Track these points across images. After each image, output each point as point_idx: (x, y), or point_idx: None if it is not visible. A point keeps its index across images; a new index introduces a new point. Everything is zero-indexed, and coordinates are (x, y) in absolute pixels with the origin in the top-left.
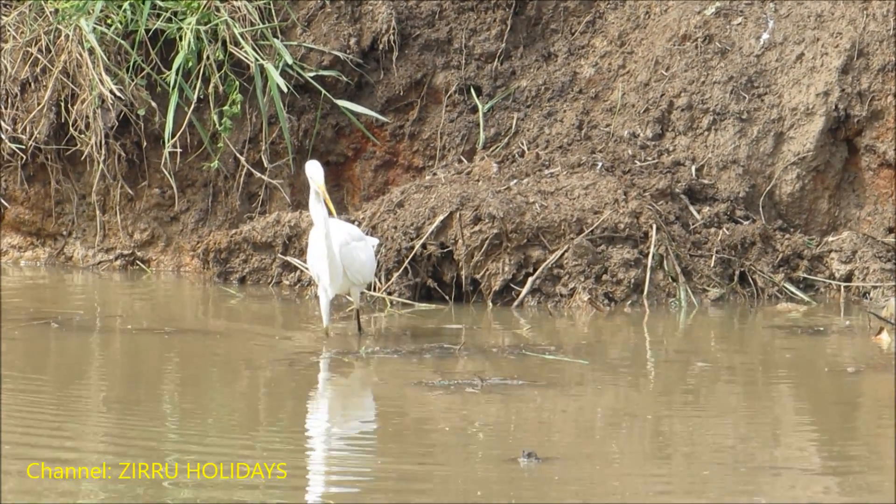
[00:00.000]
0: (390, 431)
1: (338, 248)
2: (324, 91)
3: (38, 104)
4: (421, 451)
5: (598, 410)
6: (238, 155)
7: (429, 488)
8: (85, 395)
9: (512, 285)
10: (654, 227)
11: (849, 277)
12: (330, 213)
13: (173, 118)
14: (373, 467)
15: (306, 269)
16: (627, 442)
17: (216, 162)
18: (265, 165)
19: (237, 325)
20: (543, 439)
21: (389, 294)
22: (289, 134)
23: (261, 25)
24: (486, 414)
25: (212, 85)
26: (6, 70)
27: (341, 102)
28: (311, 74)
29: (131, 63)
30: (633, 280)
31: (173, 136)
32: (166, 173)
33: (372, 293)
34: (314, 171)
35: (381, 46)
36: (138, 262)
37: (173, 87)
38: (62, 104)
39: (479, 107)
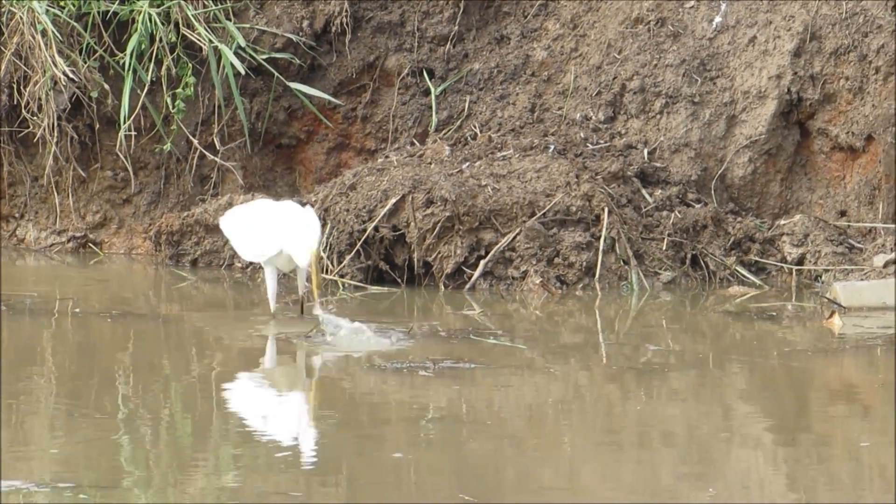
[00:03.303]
0: (340, 413)
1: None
2: (276, 73)
3: None
4: (372, 431)
5: (549, 395)
6: (191, 137)
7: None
8: (35, 376)
9: (464, 268)
10: (606, 210)
11: (801, 261)
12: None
13: (127, 101)
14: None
15: None
16: (578, 425)
17: (169, 144)
18: (218, 148)
19: (190, 308)
20: (494, 420)
21: (341, 277)
22: (245, 116)
23: (214, 7)
24: (437, 397)
25: (165, 67)
26: None
27: (294, 85)
28: (264, 57)
29: (84, 45)
30: (584, 263)
31: (127, 118)
32: (120, 156)
33: (324, 276)
34: (310, 245)
35: (333, 29)
36: (91, 244)
37: (127, 70)
38: (14, 86)
39: (432, 90)
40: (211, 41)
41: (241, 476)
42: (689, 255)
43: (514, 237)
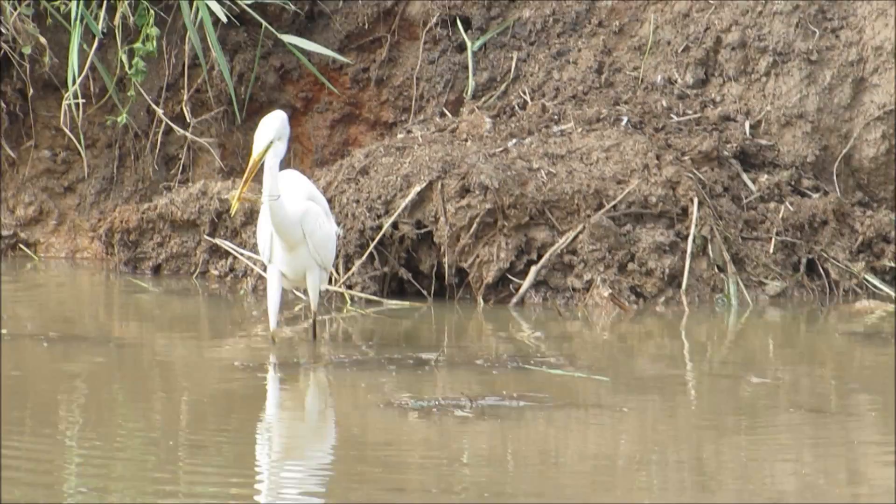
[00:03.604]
0: (351, 473)
1: (294, 203)
2: (265, 23)
3: None
4: (390, 498)
5: (621, 443)
6: (153, 106)
7: None
8: None
9: (510, 276)
10: (696, 201)
11: None
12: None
13: (74, 59)
14: None
15: (241, 253)
16: (659, 486)
17: (124, 115)
18: (188, 120)
19: (151, 329)
20: (549, 481)
21: (350, 288)
22: (228, 75)
23: None
24: (476, 446)
25: (119, 15)
26: None
27: (287, 38)
28: (249, 2)
29: None
30: (667, 270)
31: (72, 82)
32: (65, 130)
33: (327, 287)
34: (263, 131)
35: None
36: (21, 245)
37: (74, 20)
38: None
39: (468, 44)
40: None
41: None
42: (803, 260)
43: (576, 236)
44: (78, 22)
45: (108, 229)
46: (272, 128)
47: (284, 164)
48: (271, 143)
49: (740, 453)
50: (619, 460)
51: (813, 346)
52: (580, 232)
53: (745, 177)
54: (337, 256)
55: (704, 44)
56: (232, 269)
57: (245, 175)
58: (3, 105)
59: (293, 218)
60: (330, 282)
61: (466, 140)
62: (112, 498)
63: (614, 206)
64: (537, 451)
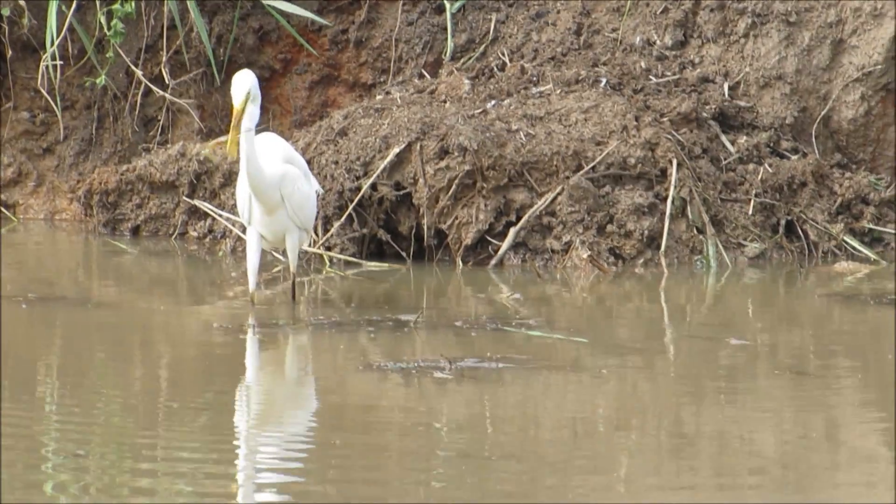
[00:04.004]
0: (330, 435)
1: (271, 166)
2: None
3: None
4: (370, 462)
5: (600, 405)
6: (132, 67)
7: None
8: None
9: (489, 238)
10: (675, 162)
11: None
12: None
13: (53, 20)
14: (309, 484)
15: (219, 215)
16: (638, 447)
17: (103, 77)
18: (166, 81)
19: (130, 291)
20: (528, 443)
21: (328, 249)
22: (207, 36)
23: None
24: (455, 408)
25: None
26: None
27: None
28: None
29: None
30: (646, 232)
31: (51, 43)
32: (42, 93)
33: (306, 248)
34: (237, 85)
35: None
36: (1, 207)
37: None
38: None
39: (447, 6)
40: None
41: None
42: (782, 222)
43: (555, 198)
44: None
45: (87, 191)
46: (247, 80)
47: (264, 125)
48: (249, 92)
49: (719, 415)
50: (598, 422)
51: (792, 307)
52: (559, 193)
53: (723, 138)
54: (317, 217)
55: (683, 5)
56: (211, 231)
57: (233, 121)
58: None
59: (271, 181)
60: (310, 243)
61: (445, 102)
62: (90, 461)
63: (593, 168)
64: (516, 413)
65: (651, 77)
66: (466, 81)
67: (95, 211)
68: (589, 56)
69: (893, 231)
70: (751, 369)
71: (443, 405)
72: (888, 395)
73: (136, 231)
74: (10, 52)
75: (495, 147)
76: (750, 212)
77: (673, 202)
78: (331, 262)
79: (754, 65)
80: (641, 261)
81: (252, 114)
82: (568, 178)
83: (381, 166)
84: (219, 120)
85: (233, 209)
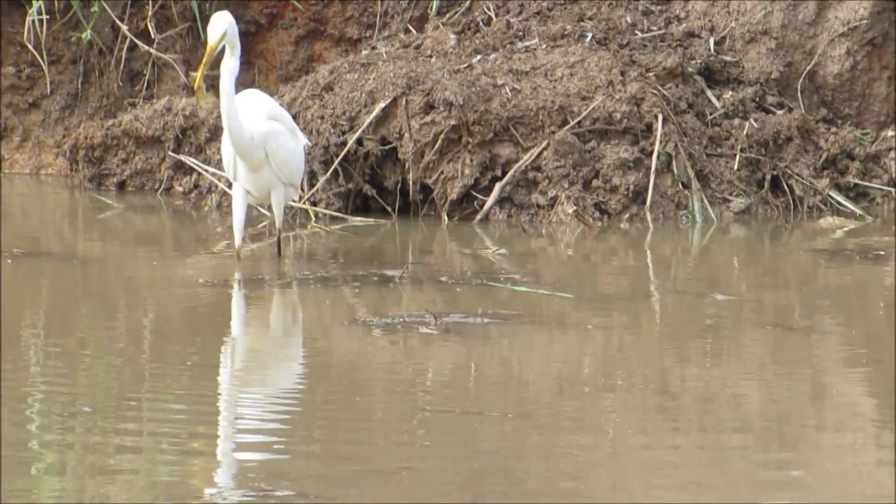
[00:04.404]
0: (316, 390)
1: (255, 124)
2: None
3: None
4: (354, 413)
5: (585, 361)
6: (118, 22)
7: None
8: None
9: (474, 193)
10: (660, 117)
11: None
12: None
13: None
14: (293, 443)
15: (205, 170)
16: (623, 401)
17: (88, 31)
18: (153, 36)
19: (115, 246)
20: (514, 398)
21: (314, 204)
22: None
23: None
24: (441, 364)
25: None
26: None
27: None
28: None
29: None
30: (632, 187)
31: None
32: (28, 47)
33: (292, 204)
34: (213, 24)
35: None
36: None
37: None
38: None
39: None
40: None
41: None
42: (768, 177)
43: (540, 153)
44: None
45: (73, 145)
46: (223, 20)
47: (250, 82)
48: (226, 32)
49: (705, 372)
50: (584, 379)
51: (777, 263)
52: (544, 148)
53: (709, 93)
54: (304, 172)
55: None
56: (196, 186)
57: (202, 60)
58: None
59: (254, 140)
60: (299, 198)
61: (431, 56)
62: (75, 420)
63: (578, 123)
64: (502, 370)
65: (637, 32)
66: (452, 36)
67: (81, 166)
68: (574, 11)
69: (879, 186)
70: (736, 325)
71: (428, 361)
72: (874, 351)
73: (121, 186)
74: None
75: (481, 102)
76: (735, 167)
77: (658, 157)
78: (316, 217)
79: (740, 19)
80: (627, 216)
81: (231, 67)
82: (553, 133)
83: (367, 121)
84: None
85: (219, 164)
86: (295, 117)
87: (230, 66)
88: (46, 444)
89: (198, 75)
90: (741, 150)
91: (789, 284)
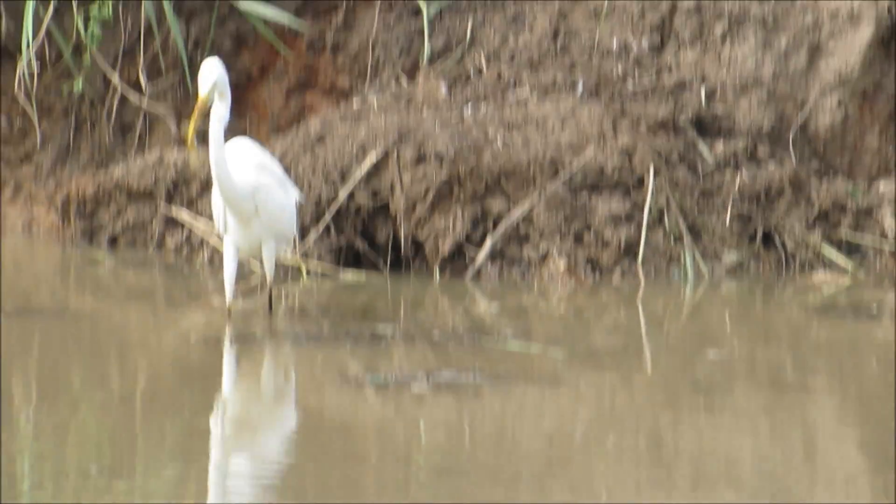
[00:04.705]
0: (307, 448)
1: (244, 176)
2: None
3: None
4: (347, 476)
5: (578, 418)
6: (109, 73)
7: None
8: None
9: (466, 247)
10: (652, 170)
11: None
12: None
13: (29, 25)
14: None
15: (195, 224)
16: (616, 460)
17: (81, 82)
18: (144, 88)
19: (107, 301)
20: (506, 457)
21: (306, 258)
22: (182, 42)
23: None
24: (433, 422)
25: None
26: None
27: (243, 3)
28: None
29: None
30: (624, 241)
31: (28, 47)
32: (20, 98)
33: (283, 258)
34: (204, 74)
35: None
36: None
37: None
38: None
39: (424, 8)
40: None
41: None
42: (759, 231)
43: (532, 207)
44: None
45: (65, 199)
46: (214, 69)
47: (241, 132)
48: (216, 83)
49: (697, 429)
50: (576, 436)
51: (769, 319)
52: (536, 202)
53: (701, 145)
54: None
55: (660, 9)
56: (188, 240)
57: (194, 112)
58: None
59: (242, 191)
60: (292, 251)
61: (422, 108)
62: (68, 480)
63: (570, 176)
64: (494, 427)
65: (628, 83)
66: (444, 87)
67: (73, 220)
68: (566, 60)
69: (871, 240)
70: (728, 382)
71: (420, 419)
72: (867, 410)
73: (113, 240)
74: None
75: (472, 154)
76: (727, 221)
77: (650, 211)
78: (308, 272)
79: (731, 70)
80: (619, 270)
81: (221, 115)
82: (545, 186)
83: (358, 175)
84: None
85: (211, 217)
86: (286, 169)
87: (220, 114)
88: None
89: (189, 129)
90: (733, 204)
91: (781, 341)
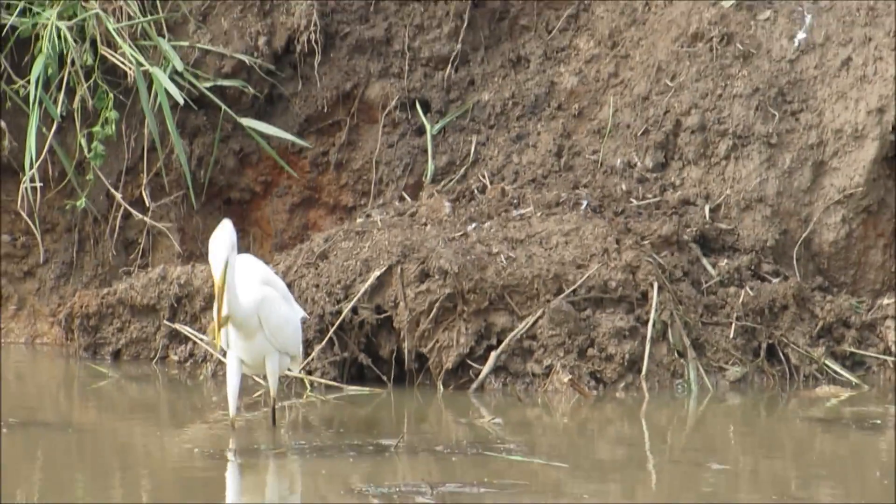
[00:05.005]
0: None
1: (248, 291)
2: (224, 106)
3: None
4: None
5: None
6: (112, 190)
7: None
8: None
9: (470, 362)
10: (656, 285)
11: None
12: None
13: (32, 142)
14: None
15: (199, 339)
16: None
17: (84, 199)
18: (147, 205)
19: (111, 415)
20: None
21: (309, 373)
22: (185, 159)
23: (141, 19)
24: None
25: (79, 98)
26: None
27: (247, 121)
28: (208, 85)
29: None
30: (628, 355)
31: (31, 165)
32: (22, 215)
33: (287, 372)
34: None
35: (298, 48)
36: None
37: (32, 103)
38: None
39: (427, 128)
40: (139, 63)
41: None
42: (763, 345)
43: (535, 321)
44: (36, 105)
45: (68, 314)
46: (226, 242)
47: (244, 249)
48: (227, 262)
49: None
50: None
51: (773, 432)
52: (540, 317)
53: (704, 261)
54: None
55: (664, 127)
56: (192, 355)
57: (216, 303)
58: None
59: (248, 309)
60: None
61: (426, 224)
62: None
63: (574, 291)
64: None
65: (632, 199)
66: (447, 204)
67: (76, 335)
68: (569, 178)
69: (875, 354)
70: (733, 496)
71: None
72: None
73: (116, 355)
74: None
75: (476, 270)
76: (731, 335)
77: (654, 325)
78: (311, 387)
79: (735, 187)
80: (622, 384)
81: (231, 261)
82: (549, 301)
83: (362, 290)
84: (198, 242)
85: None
86: (290, 286)
87: (230, 261)
88: None
89: (215, 327)
90: (737, 319)
91: (786, 454)
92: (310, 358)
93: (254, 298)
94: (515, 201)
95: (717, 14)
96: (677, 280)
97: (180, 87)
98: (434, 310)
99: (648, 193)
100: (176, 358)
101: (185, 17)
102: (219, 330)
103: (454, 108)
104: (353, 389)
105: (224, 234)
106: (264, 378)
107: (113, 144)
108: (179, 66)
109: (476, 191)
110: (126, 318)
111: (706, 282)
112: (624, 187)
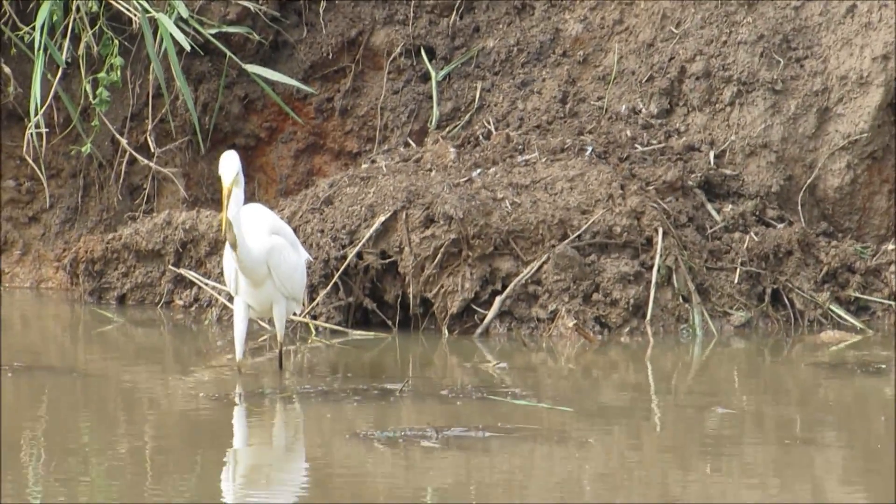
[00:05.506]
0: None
1: (257, 240)
2: (229, 53)
3: None
4: None
5: (586, 475)
6: (117, 136)
7: None
8: None
9: (474, 307)
10: (661, 231)
11: None
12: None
13: (37, 89)
14: None
15: (205, 283)
16: None
17: (89, 145)
18: (152, 150)
19: (116, 360)
20: None
21: (314, 318)
22: (192, 104)
23: None
24: (442, 477)
25: (84, 45)
26: None
27: (252, 68)
28: (213, 31)
29: None
30: (632, 300)
31: (37, 111)
32: (27, 160)
33: (292, 317)
34: (226, 165)
35: None
36: None
37: (37, 49)
38: None
39: (433, 74)
40: (145, 10)
41: None
42: (768, 290)
43: (540, 267)
44: (42, 52)
45: (73, 259)
46: (234, 162)
47: (250, 195)
48: (238, 172)
49: (705, 485)
50: (585, 492)
51: (778, 376)
52: (544, 262)
53: (709, 207)
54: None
55: (669, 73)
56: (197, 299)
57: (224, 201)
58: None
59: (258, 257)
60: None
61: (431, 170)
62: None
63: (578, 237)
64: (503, 483)
65: (637, 145)
66: (452, 150)
67: (81, 279)
68: (574, 124)
69: (879, 300)
70: (737, 439)
71: (429, 474)
72: (875, 465)
73: (122, 300)
74: None
75: (481, 216)
76: (736, 280)
77: (658, 271)
78: (317, 331)
79: (740, 133)
80: (627, 329)
81: (237, 198)
82: (553, 246)
83: (367, 235)
84: (204, 188)
85: (219, 277)
86: (295, 231)
87: (236, 196)
88: None
89: (223, 216)
90: (741, 264)
91: (790, 398)
92: (315, 303)
93: (263, 247)
94: (520, 147)
95: None
96: (682, 225)
97: (185, 34)
98: (439, 255)
99: (653, 139)
100: (181, 303)
101: None
102: (225, 220)
103: (459, 55)
104: (357, 334)
105: (232, 155)
106: (270, 322)
107: (118, 91)
108: (185, 13)
109: (481, 137)
110: (131, 263)
111: (711, 227)
112: (629, 133)
